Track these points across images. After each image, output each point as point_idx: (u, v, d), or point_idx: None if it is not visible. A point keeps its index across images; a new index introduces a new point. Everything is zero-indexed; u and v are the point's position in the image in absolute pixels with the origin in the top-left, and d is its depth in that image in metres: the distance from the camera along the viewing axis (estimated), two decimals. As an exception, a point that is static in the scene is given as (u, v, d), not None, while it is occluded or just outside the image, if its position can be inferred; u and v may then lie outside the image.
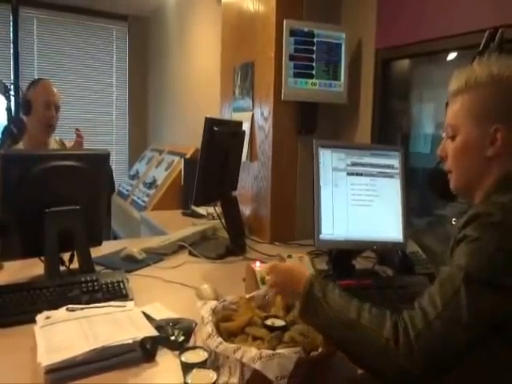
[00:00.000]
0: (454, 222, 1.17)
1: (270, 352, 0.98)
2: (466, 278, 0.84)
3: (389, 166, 1.83)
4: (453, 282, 0.86)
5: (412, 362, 0.83)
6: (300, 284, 1.04)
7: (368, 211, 1.79)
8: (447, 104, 1.06)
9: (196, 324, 1.25)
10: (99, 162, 1.73)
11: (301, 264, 1.18)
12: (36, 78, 2.87)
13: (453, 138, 1.04)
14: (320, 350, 1.04)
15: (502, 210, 0.88)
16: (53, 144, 2.49)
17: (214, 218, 2.60)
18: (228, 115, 2.77)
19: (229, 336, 1.11)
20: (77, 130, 2.55)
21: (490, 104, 0.98)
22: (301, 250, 1.98)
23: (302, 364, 0.99)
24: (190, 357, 1.03)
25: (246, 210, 2.54)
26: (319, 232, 1.72)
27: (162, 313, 1.36)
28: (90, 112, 5.28)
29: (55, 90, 2.43)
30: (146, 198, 3.62)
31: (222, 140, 2.06)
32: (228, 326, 1.15)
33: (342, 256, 1.79)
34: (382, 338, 0.86)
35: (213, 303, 1.23)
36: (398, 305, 1.36)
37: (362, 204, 1.79)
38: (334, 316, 0.95)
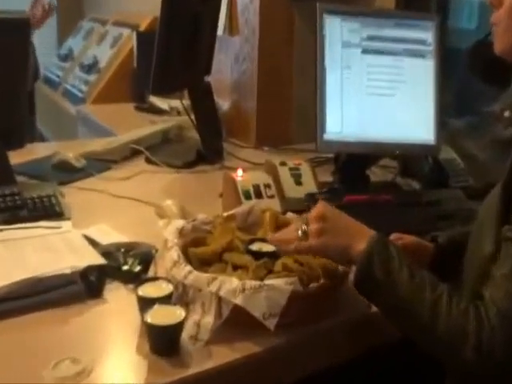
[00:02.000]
0: (506, 115, 1.17)
1: (255, 283, 1.00)
2: None
3: (420, 42, 1.81)
4: None
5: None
6: (355, 246, 1.02)
7: (390, 103, 1.79)
8: None
9: (157, 250, 1.26)
10: (13, 32, 1.66)
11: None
12: None
13: None
14: (321, 281, 1.07)
15: None
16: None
17: (179, 113, 2.57)
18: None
19: (201, 264, 1.13)
20: None
21: None
22: (298, 156, 1.97)
23: (298, 299, 1.02)
24: (150, 290, 1.04)
25: (223, 103, 2.51)
26: (323, 130, 1.71)
27: (110, 236, 1.37)
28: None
29: None
30: (84, 87, 3.55)
31: (189, 5, 2.00)
32: (200, 251, 1.17)
33: (353, 163, 1.81)
34: (462, 351, 0.89)
35: (179, 223, 1.25)
36: (425, 226, 1.39)
37: (381, 93, 1.79)
38: (400, 306, 0.97)
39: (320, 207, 1.10)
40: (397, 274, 0.97)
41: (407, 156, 1.90)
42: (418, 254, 1.16)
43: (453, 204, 1.60)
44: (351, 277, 1.13)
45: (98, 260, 1.20)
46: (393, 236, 1.21)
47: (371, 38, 1.77)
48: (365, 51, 1.77)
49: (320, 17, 1.71)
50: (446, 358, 0.96)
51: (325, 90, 1.72)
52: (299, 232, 1.08)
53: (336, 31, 1.74)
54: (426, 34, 1.81)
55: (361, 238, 1.03)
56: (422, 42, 1.81)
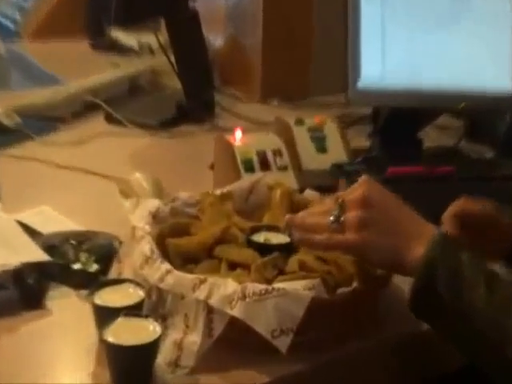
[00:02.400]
0: None
1: (261, 287, 1.00)
2: None
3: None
4: None
5: None
6: (410, 250, 1.00)
7: (450, 38, 1.79)
8: None
9: (121, 242, 1.26)
10: None
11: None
12: None
13: None
14: (354, 285, 1.07)
15: None
16: None
17: (153, 52, 2.56)
18: None
19: (184, 262, 1.14)
20: None
21: None
22: (320, 112, 1.96)
23: (321, 309, 1.02)
24: (111, 298, 1.04)
25: (215, 39, 2.51)
26: (357, 76, 1.71)
27: (55, 223, 1.39)
28: None
29: None
30: (18, 17, 3.56)
31: None
32: (183, 243, 1.17)
33: (399, 122, 1.81)
34: None
35: (153, 204, 1.25)
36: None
37: (438, 24, 1.78)
38: (475, 334, 0.95)
39: (363, 186, 1.07)
40: (470, 288, 0.95)
41: (475, 111, 1.90)
42: (493, 235, 1.14)
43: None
44: (399, 284, 1.14)
45: (37, 256, 1.21)
46: (453, 207, 1.16)
47: None
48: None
49: None
50: None
51: (359, 19, 1.72)
52: (331, 218, 1.04)
53: None
54: None
55: (419, 237, 1.01)
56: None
